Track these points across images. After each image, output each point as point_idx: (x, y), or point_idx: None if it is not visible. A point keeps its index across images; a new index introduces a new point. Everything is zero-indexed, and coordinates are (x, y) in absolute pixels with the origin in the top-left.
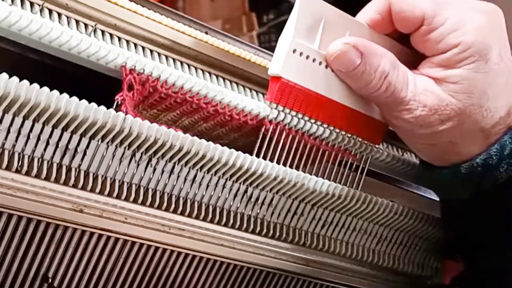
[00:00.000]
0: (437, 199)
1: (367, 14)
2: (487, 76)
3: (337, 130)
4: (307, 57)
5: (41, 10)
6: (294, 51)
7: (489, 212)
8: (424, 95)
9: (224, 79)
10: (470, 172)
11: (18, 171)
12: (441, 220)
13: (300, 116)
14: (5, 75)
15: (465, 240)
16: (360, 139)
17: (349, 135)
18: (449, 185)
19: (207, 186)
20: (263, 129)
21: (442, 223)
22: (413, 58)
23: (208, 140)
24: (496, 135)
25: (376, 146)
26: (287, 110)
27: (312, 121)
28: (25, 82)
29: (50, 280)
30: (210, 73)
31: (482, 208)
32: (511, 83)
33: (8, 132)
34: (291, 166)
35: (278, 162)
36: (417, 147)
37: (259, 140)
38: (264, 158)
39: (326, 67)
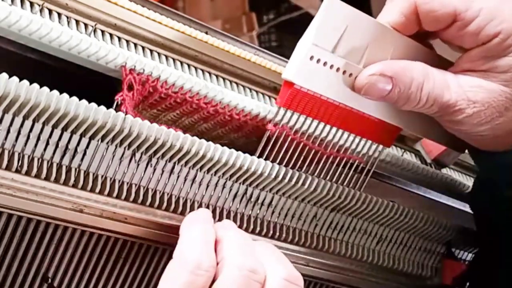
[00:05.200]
0: (437, 199)
1: (390, 15)
2: None
3: (340, 133)
4: (325, 63)
5: (41, 10)
6: (312, 57)
7: None
8: (472, 92)
9: (224, 79)
10: None
11: (18, 171)
12: (472, 205)
13: (300, 116)
14: (5, 75)
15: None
16: (365, 142)
17: (352, 138)
18: None
19: (207, 186)
20: (268, 132)
21: (474, 208)
22: (441, 59)
23: (208, 140)
24: None
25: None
26: (288, 111)
27: (312, 122)
28: (25, 82)
29: (50, 280)
30: (210, 73)
31: None
32: None
33: (8, 132)
34: (290, 166)
35: (278, 163)
36: (482, 143)
37: (263, 142)
38: (265, 158)
39: (344, 73)
